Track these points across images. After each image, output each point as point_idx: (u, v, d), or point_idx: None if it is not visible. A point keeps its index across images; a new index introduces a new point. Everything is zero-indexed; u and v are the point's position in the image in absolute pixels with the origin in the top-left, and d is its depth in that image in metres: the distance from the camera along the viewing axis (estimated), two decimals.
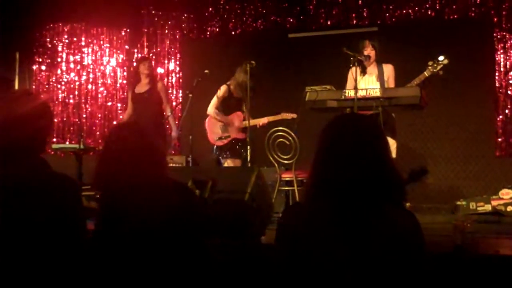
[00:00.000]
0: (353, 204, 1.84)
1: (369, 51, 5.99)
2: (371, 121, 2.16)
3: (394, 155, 5.78)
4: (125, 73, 9.21)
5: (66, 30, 9.25)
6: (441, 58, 5.63)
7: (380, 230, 1.81)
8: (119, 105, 9.14)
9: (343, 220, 1.83)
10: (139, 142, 2.37)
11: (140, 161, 2.32)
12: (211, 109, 6.42)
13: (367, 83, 6.00)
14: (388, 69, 6.06)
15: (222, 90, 6.42)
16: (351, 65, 5.76)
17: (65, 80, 9.26)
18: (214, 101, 6.43)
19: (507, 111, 7.37)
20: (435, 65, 5.61)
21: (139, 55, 8.92)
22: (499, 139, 7.40)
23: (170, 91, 8.87)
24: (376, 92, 5.56)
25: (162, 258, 2.19)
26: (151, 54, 9.02)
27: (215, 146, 6.45)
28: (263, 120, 6.34)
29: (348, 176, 1.85)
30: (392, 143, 5.78)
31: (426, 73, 5.61)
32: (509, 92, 7.38)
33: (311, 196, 1.94)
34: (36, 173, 2.18)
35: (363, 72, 6.00)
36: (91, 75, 9.24)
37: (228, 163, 6.34)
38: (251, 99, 6.17)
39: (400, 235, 1.81)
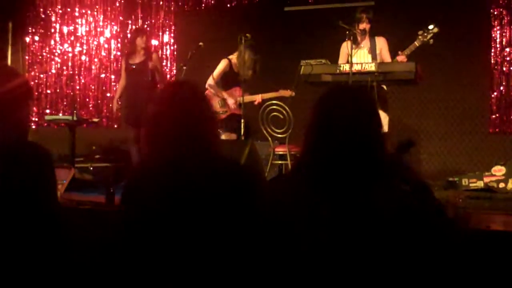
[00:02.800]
0: (339, 178, 1.83)
1: (365, 25, 5.96)
2: (365, 95, 2.13)
3: (386, 129, 5.78)
4: (119, 45, 9.14)
5: (60, 0, 9.16)
6: (430, 26, 5.60)
7: (366, 206, 1.79)
8: (112, 76, 9.09)
9: (327, 193, 1.82)
10: (199, 105, 2.09)
11: (199, 129, 2.04)
12: (209, 83, 6.38)
13: (359, 56, 5.98)
14: (381, 42, 6.03)
15: (222, 64, 6.36)
16: (346, 39, 5.74)
17: (59, 51, 9.19)
18: (213, 75, 6.37)
19: (502, 88, 7.36)
20: (425, 34, 5.59)
21: (133, 27, 8.85)
22: (493, 116, 7.40)
23: (164, 63, 8.82)
24: (371, 67, 5.54)
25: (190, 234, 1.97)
26: (145, 26, 8.95)
27: None
28: (258, 98, 6.26)
29: (336, 150, 1.84)
30: (384, 117, 5.76)
31: (416, 43, 5.60)
32: (504, 69, 7.36)
33: (298, 168, 1.93)
34: (8, 142, 2.16)
35: (356, 45, 5.97)
36: (84, 46, 9.17)
37: (223, 136, 6.32)
38: (253, 76, 6.13)
39: (387, 211, 1.80)
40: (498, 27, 7.41)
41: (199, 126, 2.06)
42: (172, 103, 2.08)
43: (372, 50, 5.99)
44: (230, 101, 6.33)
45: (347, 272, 1.76)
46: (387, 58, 5.96)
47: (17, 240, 2.10)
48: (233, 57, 6.35)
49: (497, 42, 7.41)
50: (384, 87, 5.93)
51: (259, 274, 1.90)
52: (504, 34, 7.38)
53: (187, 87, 2.14)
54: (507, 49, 7.35)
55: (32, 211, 2.11)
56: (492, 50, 7.41)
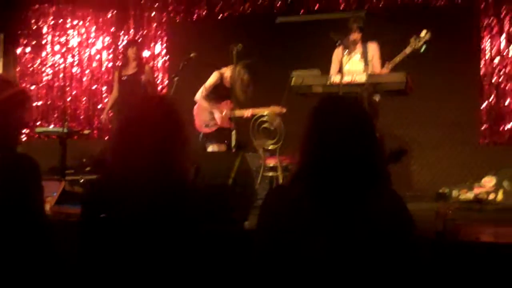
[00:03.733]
0: (338, 188, 1.83)
1: (356, 35, 5.99)
2: (358, 104, 2.15)
3: None
4: (110, 56, 9.13)
5: (51, 11, 9.16)
6: (422, 33, 5.63)
7: (366, 213, 1.81)
8: (104, 88, 9.07)
9: (327, 203, 1.83)
10: (168, 119, 2.11)
11: (163, 141, 2.06)
12: (199, 96, 6.37)
13: (352, 63, 6.00)
14: (373, 48, 6.07)
15: (213, 77, 6.35)
16: (336, 44, 5.76)
17: (50, 62, 9.17)
18: (203, 88, 6.37)
19: (491, 98, 7.40)
20: (417, 41, 5.61)
21: (126, 38, 8.85)
22: (483, 127, 7.43)
23: (156, 74, 8.82)
24: (362, 78, 5.57)
25: (153, 245, 2.04)
26: (137, 37, 8.95)
27: (201, 133, 6.42)
28: (247, 113, 6.19)
29: (334, 160, 1.85)
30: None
31: (407, 50, 5.62)
32: (493, 80, 7.40)
33: (296, 179, 1.94)
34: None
35: (348, 52, 5.99)
36: (76, 58, 9.15)
37: (212, 148, 6.32)
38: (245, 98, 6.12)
39: (387, 217, 1.82)
40: (487, 38, 7.45)
41: (164, 145, 2.06)
42: (138, 119, 2.09)
43: (365, 56, 6.01)
44: (217, 115, 6.32)
45: (346, 281, 1.77)
46: (378, 65, 5.99)
47: (3, 252, 2.09)
48: (225, 71, 6.34)
49: (486, 53, 7.45)
50: (376, 98, 5.95)
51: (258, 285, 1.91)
52: (493, 45, 7.42)
53: (158, 104, 2.16)
54: (496, 60, 7.39)
55: (18, 222, 2.10)
56: (482, 61, 7.45)
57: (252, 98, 6.32)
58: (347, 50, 5.93)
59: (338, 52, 5.91)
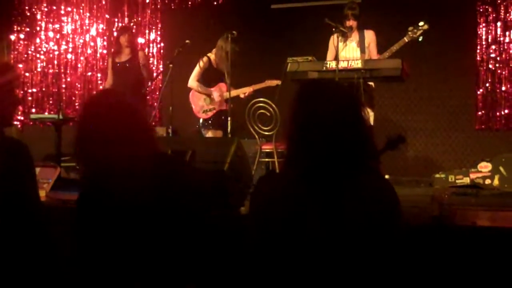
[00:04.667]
0: (327, 172, 1.81)
1: (351, 22, 5.98)
2: (347, 88, 2.12)
3: (371, 124, 5.81)
4: (105, 43, 9.08)
5: None
6: (421, 23, 5.65)
7: (354, 198, 1.79)
8: (99, 75, 9.03)
9: (317, 188, 1.81)
10: (123, 109, 2.17)
11: (126, 130, 2.12)
12: (192, 82, 6.35)
13: (348, 50, 6.00)
14: (369, 35, 6.07)
15: (203, 61, 6.34)
16: (333, 30, 5.75)
17: (44, 49, 9.12)
18: (194, 73, 6.35)
19: (487, 84, 7.40)
20: (415, 30, 5.64)
21: (120, 25, 8.80)
22: (479, 113, 7.44)
23: (151, 61, 8.78)
24: (358, 64, 5.56)
25: (151, 233, 2.07)
26: (132, 24, 8.90)
27: (200, 119, 6.41)
28: (248, 89, 6.28)
29: (321, 144, 1.82)
30: (369, 112, 5.80)
31: (406, 39, 5.65)
32: (490, 66, 7.40)
33: (285, 165, 1.92)
34: None
35: (344, 39, 5.99)
36: (70, 45, 9.10)
37: (209, 134, 6.31)
38: (233, 70, 6.09)
39: (375, 202, 1.80)
40: (483, 24, 7.44)
41: (123, 129, 2.11)
42: (96, 110, 2.16)
43: (361, 44, 6.02)
44: (216, 95, 6.30)
45: (338, 263, 1.77)
46: (374, 52, 6.00)
47: None
48: (211, 54, 6.33)
49: (483, 39, 7.44)
50: (372, 84, 5.96)
51: (251, 272, 1.90)
52: (489, 31, 7.41)
53: (111, 96, 2.26)
54: (493, 46, 7.39)
55: (11, 209, 2.09)
56: (478, 47, 7.44)
57: (247, 80, 6.32)
58: (342, 37, 5.92)
59: (334, 38, 5.89)
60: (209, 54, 6.34)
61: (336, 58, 5.65)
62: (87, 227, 2.12)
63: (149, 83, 7.51)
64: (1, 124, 2.23)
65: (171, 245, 2.07)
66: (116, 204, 2.07)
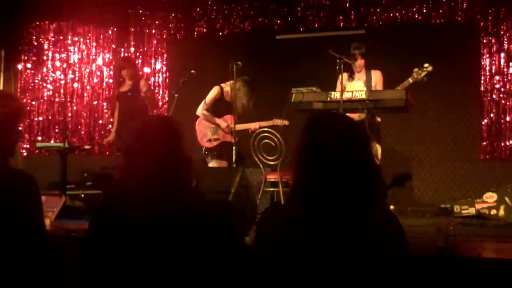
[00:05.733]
0: (333, 207, 1.79)
1: (359, 61, 6.08)
2: (357, 122, 2.10)
3: (379, 159, 5.82)
4: (111, 72, 9.16)
5: (52, 28, 9.18)
6: (426, 65, 5.71)
7: (360, 233, 1.77)
8: (105, 104, 9.09)
9: (323, 222, 1.79)
10: (172, 139, 2.14)
11: (168, 161, 2.08)
12: (201, 110, 6.37)
13: (354, 87, 6.04)
14: (377, 75, 6.12)
15: (213, 91, 6.35)
16: (337, 68, 5.77)
17: (51, 78, 9.19)
18: (204, 102, 6.37)
19: (492, 115, 7.42)
20: (420, 71, 5.69)
21: (126, 54, 8.88)
22: (484, 143, 7.44)
23: (156, 90, 8.84)
24: (362, 95, 5.59)
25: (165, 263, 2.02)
26: (138, 54, 8.98)
27: (203, 147, 6.42)
28: (255, 125, 6.25)
29: (329, 178, 1.79)
30: (377, 148, 5.83)
31: (410, 79, 5.70)
32: (494, 96, 7.43)
33: (292, 197, 1.91)
34: None
35: (351, 77, 6.05)
36: (77, 74, 9.18)
37: (213, 163, 6.31)
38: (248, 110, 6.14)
39: (381, 238, 1.77)
40: (487, 55, 7.48)
41: (169, 162, 2.09)
42: (144, 137, 2.14)
43: (368, 83, 6.08)
44: (223, 125, 6.31)
45: None
46: None
47: (3, 267, 2.08)
48: (225, 86, 6.35)
49: (487, 70, 7.48)
50: (378, 118, 5.98)
51: None
52: (493, 62, 7.45)
53: (162, 122, 2.22)
54: (497, 77, 7.42)
55: (17, 239, 2.09)
56: (482, 78, 7.48)
57: (253, 113, 6.33)
58: (351, 75, 6.00)
59: (342, 77, 5.92)
60: (222, 85, 6.36)
61: (341, 90, 5.68)
62: (97, 255, 2.09)
63: (154, 112, 7.54)
64: (4, 156, 2.25)
65: (190, 275, 2.04)
66: (131, 230, 2.04)
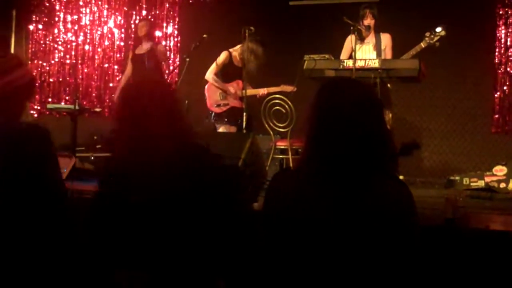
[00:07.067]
0: (345, 173, 1.78)
1: (369, 20, 5.98)
2: (369, 88, 2.07)
3: (390, 125, 5.80)
4: (122, 35, 9.11)
5: None
6: (438, 29, 5.63)
7: (371, 200, 1.77)
8: (116, 67, 9.06)
9: (333, 188, 1.79)
10: (166, 97, 2.14)
11: (163, 122, 2.07)
12: (209, 75, 6.36)
13: (363, 51, 5.99)
14: (386, 38, 6.05)
15: (222, 56, 6.35)
16: (351, 33, 5.74)
17: (62, 40, 9.16)
18: (213, 67, 6.37)
19: (505, 87, 7.34)
20: (432, 36, 5.62)
21: (138, 17, 8.84)
22: (496, 116, 7.38)
23: (168, 54, 8.80)
24: (375, 63, 5.55)
25: (177, 227, 2.01)
26: (149, 17, 8.92)
27: (212, 113, 6.42)
28: (263, 91, 6.27)
29: (341, 144, 1.78)
30: (387, 114, 5.79)
31: (422, 44, 5.64)
32: (508, 69, 7.34)
33: (302, 163, 1.90)
34: (5, 124, 2.17)
35: (361, 40, 5.98)
36: (88, 36, 9.14)
37: (223, 129, 6.32)
38: (258, 72, 6.10)
39: (391, 205, 1.77)
40: (503, 27, 7.38)
41: (158, 122, 2.06)
42: (129, 102, 2.13)
43: (378, 47, 6.00)
44: (231, 91, 6.30)
45: (352, 268, 1.75)
46: (389, 56, 5.99)
47: (22, 223, 2.09)
48: (234, 50, 6.33)
49: (502, 42, 7.38)
50: (389, 85, 5.94)
51: (257, 269, 1.90)
52: (508, 34, 7.35)
53: (144, 86, 2.19)
54: None
55: (34, 193, 2.10)
56: (497, 50, 7.38)
57: (264, 78, 6.32)
58: (360, 39, 5.91)
59: (350, 39, 5.87)
60: (230, 50, 6.34)
61: (352, 57, 5.64)
62: (104, 218, 2.09)
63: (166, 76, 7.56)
64: (15, 116, 2.25)
65: (200, 240, 2.03)
66: (140, 194, 2.02)
